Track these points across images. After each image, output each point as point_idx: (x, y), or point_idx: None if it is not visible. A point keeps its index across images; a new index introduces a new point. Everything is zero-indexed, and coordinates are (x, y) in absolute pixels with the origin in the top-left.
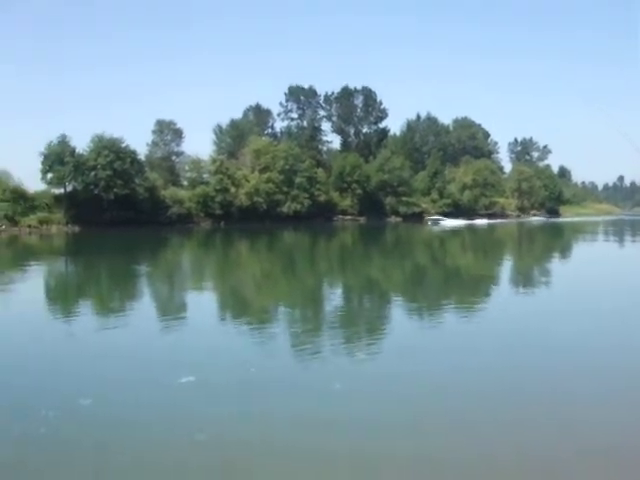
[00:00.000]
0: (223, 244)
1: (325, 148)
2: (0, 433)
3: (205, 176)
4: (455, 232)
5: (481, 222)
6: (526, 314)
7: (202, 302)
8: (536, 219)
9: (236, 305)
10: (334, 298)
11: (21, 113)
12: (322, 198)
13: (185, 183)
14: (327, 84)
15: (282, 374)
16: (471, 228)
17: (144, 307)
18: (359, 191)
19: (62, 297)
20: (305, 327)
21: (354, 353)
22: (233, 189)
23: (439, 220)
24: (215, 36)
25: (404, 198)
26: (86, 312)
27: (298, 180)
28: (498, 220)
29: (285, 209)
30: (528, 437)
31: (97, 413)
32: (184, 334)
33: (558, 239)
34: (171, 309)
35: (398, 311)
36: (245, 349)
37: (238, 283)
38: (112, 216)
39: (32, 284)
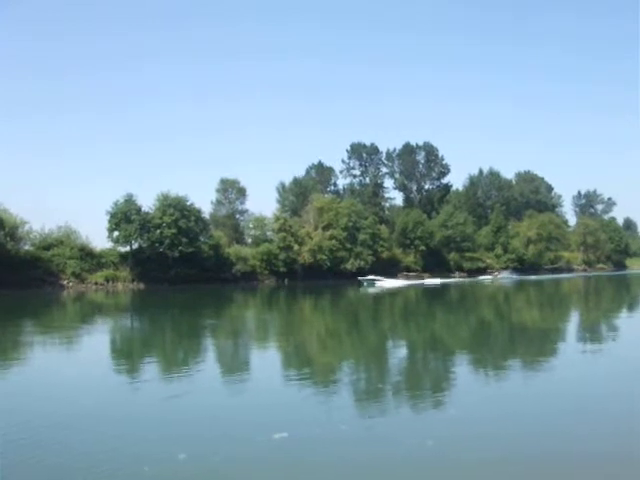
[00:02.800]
0: (288, 301)
1: (388, 204)
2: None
3: (269, 234)
4: (387, 296)
5: (432, 282)
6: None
7: (274, 360)
8: (504, 276)
9: (308, 363)
10: (405, 355)
11: (89, 172)
12: (385, 255)
13: (249, 241)
14: (389, 141)
15: (372, 430)
16: (413, 290)
17: (218, 365)
18: (422, 247)
19: (134, 355)
20: (383, 384)
21: (435, 409)
22: (296, 246)
23: (375, 280)
24: (276, 96)
25: (468, 254)
26: (160, 370)
27: (361, 237)
28: (456, 280)
29: (349, 266)
30: None
31: (194, 468)
32: (264, 392)
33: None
34: (245, 367)
35: (465, 368)
36: (328, 406)
37: (307, 341)
38: (177, 273)
39: (101, 340)
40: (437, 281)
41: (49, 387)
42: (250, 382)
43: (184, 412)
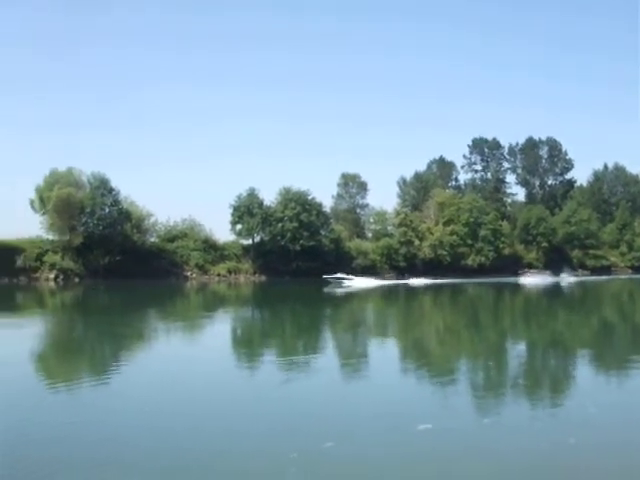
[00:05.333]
0: (407, 297)
1: (509, 200)
2: (247, 474)
3: (389, 228)
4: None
5: (417, 282)
6: None
7: (395, 352)
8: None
9: (430, 356)
10: (526, 352)
11: (213, 167)
12: (507, 251)
13: (369, 235)
14: (511, 135)
15: (513, 424)
16: (380, 291)
17: (343, 357)
18: (545, 244)
19: (255, 345)
20: (512, 379)
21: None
22: (417, 241)
23: (343, 279)
24: (398, 91)
25: (591, 251)
26: (285, 362)
27: (482, 233)
28: (444, 280)
29: (469, 262)
30: None
31: (344, 455)
32: (394, 384)
33: None
34: (369, 359)
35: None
36: (463, 398)
37: (425, 335)
38: (298, 266)
39: (223, 331)
40: (422, 281)
41: (176, 383)
42: (378, 374)
43: (320, 404)
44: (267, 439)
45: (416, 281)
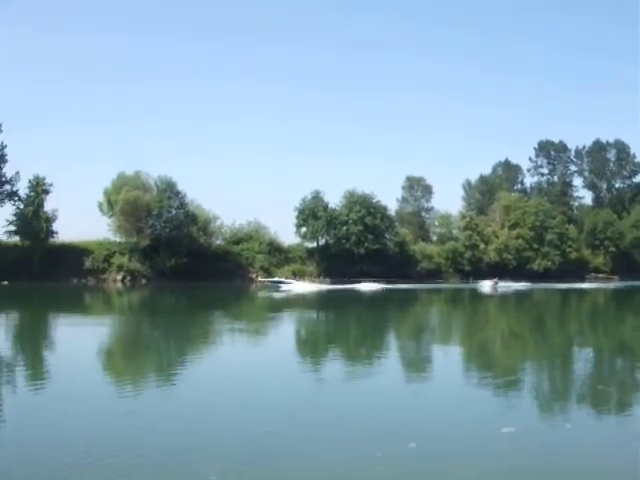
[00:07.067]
0: (472, 301)
1: (576, 204)
2: (333, 474)
3: (454, 232)
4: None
5: (368, 287)
6: None
7: (459, 358)
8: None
9: (495, 362)
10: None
11: (278, 170)
12: (573, 255)
13: (434, 238)
14: (578, 138)
15: (597, 429)
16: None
17: (410, 361)
18: (612, 249)
19: (320, 348)
20: (594, 385)
21: None
22: (482, 245)
23: (281, 283)
24: (464, 94)
25: None
26: (351, 366)
27: (548, 237)
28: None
29: (535, 266)
30: None
31: (428, 455)
32: (464, 388)
33: None
34: (435, 364)
35: None
36: (540, 404)
37: (489, 341)
38: (362, 270)
39: (287, 333)
40: (374, 286)
41: (245, 386)
42: (446, 379)
43: (395, 407)
44: (347, 441)
45: (367, 286)
